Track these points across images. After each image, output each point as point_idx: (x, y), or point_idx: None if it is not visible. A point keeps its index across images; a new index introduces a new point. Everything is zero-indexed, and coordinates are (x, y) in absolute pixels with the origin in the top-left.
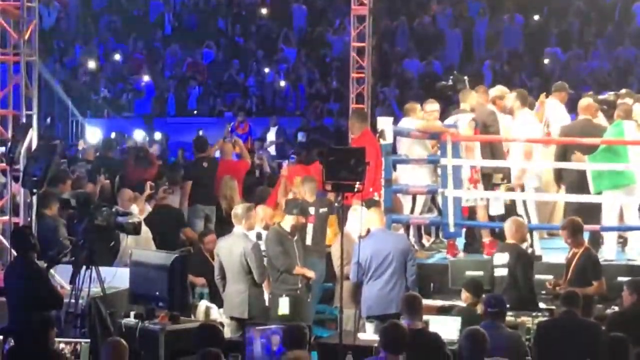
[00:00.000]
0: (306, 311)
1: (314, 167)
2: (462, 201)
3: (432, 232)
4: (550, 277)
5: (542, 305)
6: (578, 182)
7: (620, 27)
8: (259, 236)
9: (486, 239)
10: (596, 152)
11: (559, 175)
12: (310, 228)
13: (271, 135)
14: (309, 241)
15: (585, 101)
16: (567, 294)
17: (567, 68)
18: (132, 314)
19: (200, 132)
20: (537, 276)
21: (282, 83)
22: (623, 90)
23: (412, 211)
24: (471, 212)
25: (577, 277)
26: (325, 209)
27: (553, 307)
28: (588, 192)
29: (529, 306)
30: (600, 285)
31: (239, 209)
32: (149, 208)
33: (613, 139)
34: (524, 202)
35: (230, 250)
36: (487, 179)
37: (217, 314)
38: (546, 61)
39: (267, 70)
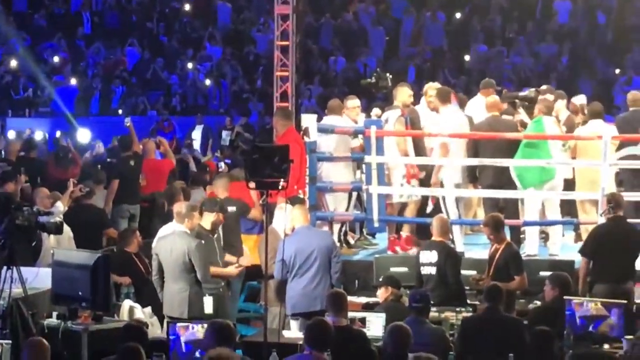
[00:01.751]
0: (229, 309)
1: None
2: (395, 197)
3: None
4: (473, 272)
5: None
6: (494, 179)
7: (542, 24)
8: (199, 235)
9: (405, 233)
10: (518, 148)
11: (474, 175)
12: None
13: (197, 134)
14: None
15: (492, 98)
16: (490, 290)
17: (489, 65)
18: (54, 314)
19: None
20: (461, 272)
21: (207, 82)
22: (544, 87)
23: (347, 208)
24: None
25: (499, 272)
26: (234, 208)
27: (476, 303)
28: (505, 189)
29: (458, 303)
30: (522, 280)
31: (182, 207)
32: None
33: (534, 134)
34: (443, 198)
35: (171, 249)
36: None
37: (141, 314)
38: (468, 58)
39: (191, 68)
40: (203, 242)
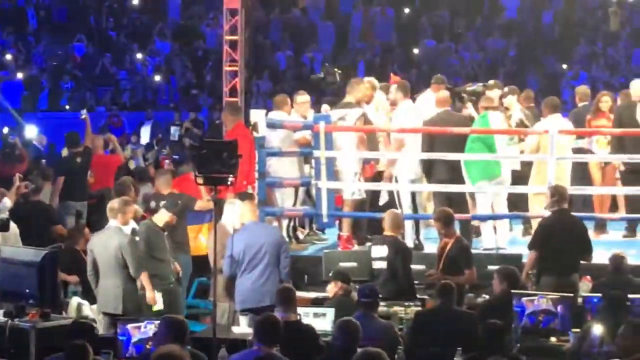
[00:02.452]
0: (179, 305)
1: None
2: (347, 194)
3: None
4: (422, 267)
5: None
6: (447, 174)
7: (490, 19)
8: (134, 232)
9: (345, 233)
10: (467, 144)
11: (429, 171)
12: None
13: (146, 130)
14: None
15: (442, 93)
16: (443, 286)
17: (438, 60)
18: (1, 311)
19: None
20: (411, 266)
21: (156, 77)
22: (491, 82)
23: (294, 204)
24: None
25: (449, 266)
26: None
27: (425, 297)
28: (457, 183)
29: (408, 298)
30: (471, 274)
31: (115, 203)
32: None
33: (482, 129)
34: (397, 193)
35: (106, 244)
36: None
37: (89, 311)
38: (417, 52)
39: (140, 63)
40: (137, 238)
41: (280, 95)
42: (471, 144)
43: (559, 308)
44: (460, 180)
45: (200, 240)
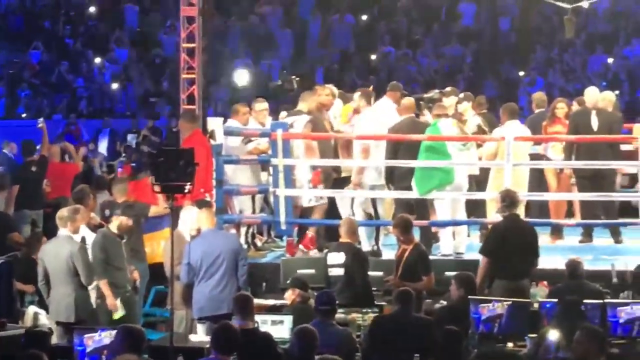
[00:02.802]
0: (136, 314)
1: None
2: (304, 202)
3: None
4: (380, 273)
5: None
6: (409, 180)
7: (447, 26)
8: (84, 239)
9: (310, 232)
10: (420, 153)
11: (391, 177)
12: None
13: (103, 138)
14: None
15: (407, 100)
16: (401, 292)
17: (396, 67)
18: None
19: None
20: (369, 273)
21: (114, 85)
22: (448, 89)
23: (253, 211)
24: (306, 212)
25: (407, 272)
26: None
27: (383, 303)
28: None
29: (365, 304)
30: (429, 280)
31: (64, 211)
32: None
33: (437, 137)
34: (352, 200)
35: (57, 253)
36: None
37: (46, 320)
38: (375, 58)
39: (97, 70)
40: (88, 245)
41: (237, 103)
42: (424, 153)
43: (514, 313)
44: None
45: (158, 247)
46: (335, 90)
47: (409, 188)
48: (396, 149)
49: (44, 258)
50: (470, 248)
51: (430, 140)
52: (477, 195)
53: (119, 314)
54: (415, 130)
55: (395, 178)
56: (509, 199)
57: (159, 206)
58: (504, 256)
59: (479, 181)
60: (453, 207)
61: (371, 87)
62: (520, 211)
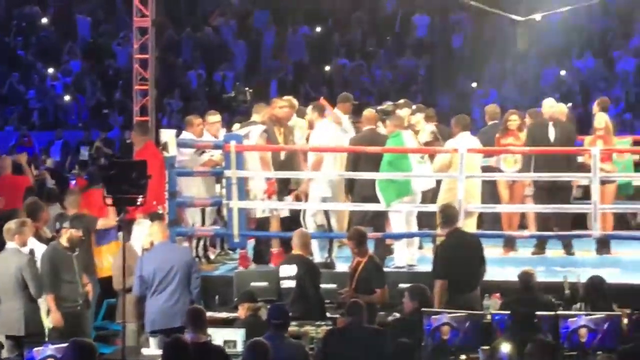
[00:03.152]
0: (87, 327)
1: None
2: (257, 213)
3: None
4: (334, 286)
5: (327, 314)
6: (371, 191)
7: (401, 38)
8: (32, 252)
9: (275, 248)
10: (383, 164)
11: (351, 187)
12: None
13: (56, 150)
14: None
15: (368, 112)
16: (352, 304)
17: (350, 78)
18: None
19: None
20: (322, 285)
21: (66, 96)
22: (401, 100)
23: (202, 223)
24: (263, 223)
25: (361, 285)
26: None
27: (336, 316)
28: (376, 202)
29: (318, 317)
30: (383, 293)
31: (12, 224)
32: None
33: (395, 148)
34: (304, 212)
35: (5, 267)
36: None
37: None
38: (329, 70)
39: (49, 82)
40: (36, 258)
41: (190, 115)
42: (386, 165)
43: (467, 325)
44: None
45: (108, 259)
46: (295, 102)
47: (370, 199)
48: (357, 160)
49: None
50: (423, 260)
51: (384, 152)
52: (431, 208)
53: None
54: (376, 142)
55: (356, 189)
56: (445, 215)
57: (107, 218)
58: (456, 272)
59: (434, 194)
60: (407, 219)
61: (322, 99)
62: (472, 223)
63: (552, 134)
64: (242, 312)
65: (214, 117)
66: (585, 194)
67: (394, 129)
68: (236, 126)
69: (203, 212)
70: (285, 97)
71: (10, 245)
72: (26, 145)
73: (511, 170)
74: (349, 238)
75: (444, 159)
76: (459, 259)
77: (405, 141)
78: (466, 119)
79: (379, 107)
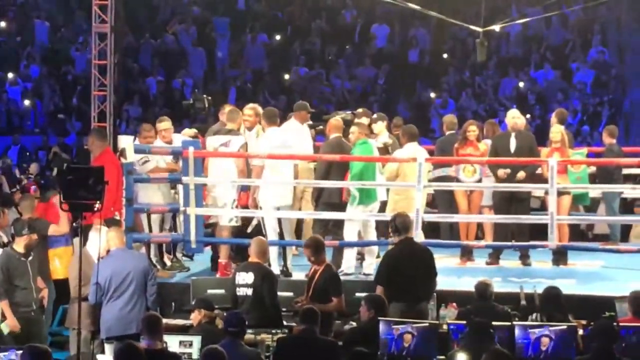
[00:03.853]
0: (41, 333)
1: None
2: (226, 221)
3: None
4: (290, 294)
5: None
6: (338, 198)
7: (360, 48)
8: None
9: (223, 260)
10: (355, 174)
11: (320, 195)
12: None
13: (12, 155)
14: None
15: (335, 120)
16: (306, 311)
17: (309, 87)
18: None
19: None
20: (278, 293)
21: (25, 101)
22: (360, 110)
23: (150, 230)
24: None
25: (318, 293)
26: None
27: (293, 324)
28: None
29: (274, 324)
30: (339, 302)
31: None
32: None
33: (363, 156)
34: (263, 220)
35: None
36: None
37: None
38: (288, 78)
39: (6, 87)
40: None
41: (144, 124)
42: (360, 174)
43: (423, 335)
44: (343, 207)
45: (55, 264)
46: (260, 110)
47: (336, 206)
48: (329, 167)
49: None
50: None
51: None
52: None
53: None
54: (343, 150)
55: (324, 196)
56: (397, 224)
57: (59, 225)
58: (399, 281)
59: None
60: (365, 229)
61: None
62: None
63: (512, 144)
64: (196, 317)
65: (165, 124)
66: (543, 205)
67: (360, 136)
68: (186, 131)
69: (149, 218)
70: (250, 105)
71: None
72: None
73: (470, 180)
74: (306, 246)
75: (392, 169)
76: (403, 268)
77: (374, 150)
78: (414, 129)
79: (338, 116)
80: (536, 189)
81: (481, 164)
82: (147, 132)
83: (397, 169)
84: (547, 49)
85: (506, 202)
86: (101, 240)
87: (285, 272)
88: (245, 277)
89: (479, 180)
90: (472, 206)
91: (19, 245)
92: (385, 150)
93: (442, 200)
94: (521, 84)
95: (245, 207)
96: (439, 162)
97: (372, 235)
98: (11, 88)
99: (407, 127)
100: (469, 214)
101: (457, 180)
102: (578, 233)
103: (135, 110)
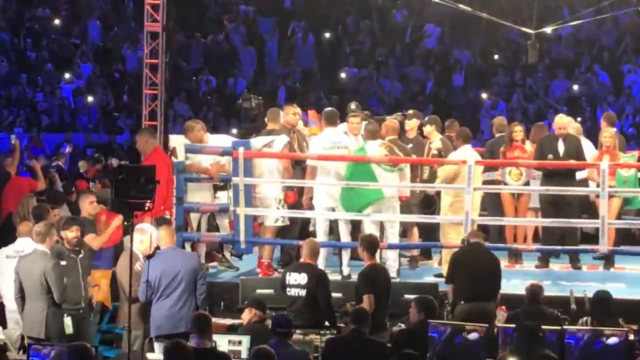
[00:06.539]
0: (90, 330)
1: None
2: (271, 221)
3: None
4: (339, 295)
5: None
6: None
7: (410, 48)
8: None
9: (266, 260)
10: (347, 173)
11: None
12: None
13: (64, 152)
14: None
15: (391, 122)
16: (355, 312)
17: (359, 87)
18: None
19: None
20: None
21: (76, 98)
22: (410, 111)
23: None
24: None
25: (355, 292)
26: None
27: (342, 325)
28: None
29: (329, 326)
30: (367, 300)
31: (41, 227)
32: None
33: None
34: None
35: (31, 268)
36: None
37: (2, 334)
38: (339, 80)
39: (58, 84)
40: (64, 262)
41: (189, 120)
42: (351, 175)
43: (474, 337)
44: None
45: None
46: (299, 109)
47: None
48: None
49: (19, 272)
50: (429, 271)
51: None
52: (436, 219)
53: (68, 331)
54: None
55: None
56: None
57: (101, 237)
58: (462, 280)
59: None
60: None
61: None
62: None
63: (561, 147)
64: (247, 316)
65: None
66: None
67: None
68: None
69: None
70: (293, 105)
71: (39, 247)
72: (36, 147)
73: (517, 184)
74: (359, 244)
75: (449, 171)
76: (467, 267)
77: (368, 151)
78: (467, 132)
79: (387, 118)
80: (587, 193)
81: (529, 167)
82: (197, 130)
83: (454, 171)
84: (598, 51)
85: (552, 206)
86: (143, 241)
87: (345, 276)
88: (298, 278)
89: (527, 184)
90: (520, 210)
91: (66, 242)
92: (439, 156)
93: (490, 204)
94: (574, 87)
95: (293, 206)
96: (488, 164)
97: (394, 237)
98: (66, 86)
99: (461, 129)
100: (515, 217)
101: (503, 183)
102: (627, 236)
103: (186, 109)
